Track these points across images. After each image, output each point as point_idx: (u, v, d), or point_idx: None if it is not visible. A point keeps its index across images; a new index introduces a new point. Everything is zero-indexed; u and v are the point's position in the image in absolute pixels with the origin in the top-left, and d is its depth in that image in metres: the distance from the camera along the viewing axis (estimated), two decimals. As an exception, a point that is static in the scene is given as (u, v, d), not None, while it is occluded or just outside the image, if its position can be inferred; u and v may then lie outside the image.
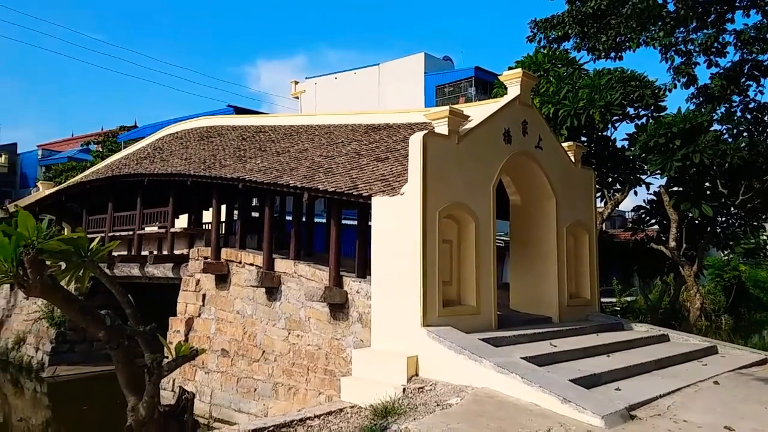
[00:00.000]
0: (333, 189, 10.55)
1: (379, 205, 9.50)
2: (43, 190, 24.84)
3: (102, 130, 45.92)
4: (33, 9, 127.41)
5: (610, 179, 16.24)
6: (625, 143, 15.88)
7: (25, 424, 15.03)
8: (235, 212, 17.13)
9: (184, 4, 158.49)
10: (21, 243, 3.68)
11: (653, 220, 17.66)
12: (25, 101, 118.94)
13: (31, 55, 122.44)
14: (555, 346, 9.11)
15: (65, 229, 20.78)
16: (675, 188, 15.87)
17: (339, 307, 11.06)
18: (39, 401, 17.32)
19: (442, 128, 9.47)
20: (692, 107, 17.16)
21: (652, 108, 15.41)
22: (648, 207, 17.48)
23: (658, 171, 14.68)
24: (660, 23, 16.91)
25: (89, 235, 5.18)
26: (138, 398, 4.71)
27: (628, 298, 19.13)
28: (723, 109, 17.27)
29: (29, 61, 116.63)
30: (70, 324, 18.82)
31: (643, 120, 15.63)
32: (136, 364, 4.80)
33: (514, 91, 10.98)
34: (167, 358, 5.02)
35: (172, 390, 12.79)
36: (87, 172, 23.69)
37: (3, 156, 43.46)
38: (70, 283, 4.78)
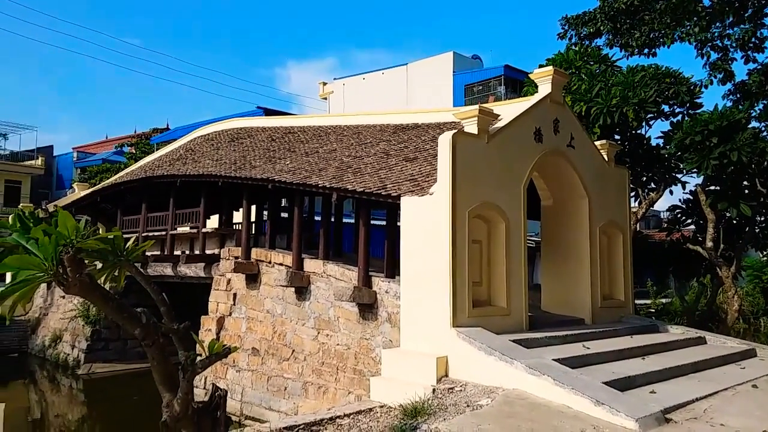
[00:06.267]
0: (362, 189, 10.56)
1: (408, 205, 9.47)
2: (79, 191, 25.44)
3: (135, 132, 46.76)
4: (69, 15, 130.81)
5: (644, 178, 15.91)
6: (660, 141, 15.57)
7: (61, 420, 15.42)
8: (265, 212, 17.31)
9: (217, 8, 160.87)
10: (61, 242, 3.76)
11: (689, 220, 17.23)
12: (61, 105, 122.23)
13: (67, 60, 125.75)
14: (588, 348, 8.97)
15: (100, 230, 21.25)
16: (712, 187, 15.47)
17: (368, 307, 11.07)
18: (75, 398, 17.75)
19: (471, 127, 9.40)
20: (729, 104, 16.82)
21: (688, 105, 15.06)
22: (684, 206, 17.08)
23: (695, 170, 14.33)
24: (695, 18, 16.61)
25: (124, 235, 5.28)
26: (172, 395, 4.77)
27: (664, 300, 18.73)
28: (761, 106, 16.86)
29: (65, 66, 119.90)
30: (105, 322, 19.27)
31: (679, 117, 15.29)
32: (170, 361, 4.87)
33: (545, 89, 10.84)
34: (200, 355, 5.08)
35: (204, 387, 12.97)
36: (121, 173, 24.19)
37: (40, 158, 44.56)
38: (106, 282, 4.88)
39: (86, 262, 4.33)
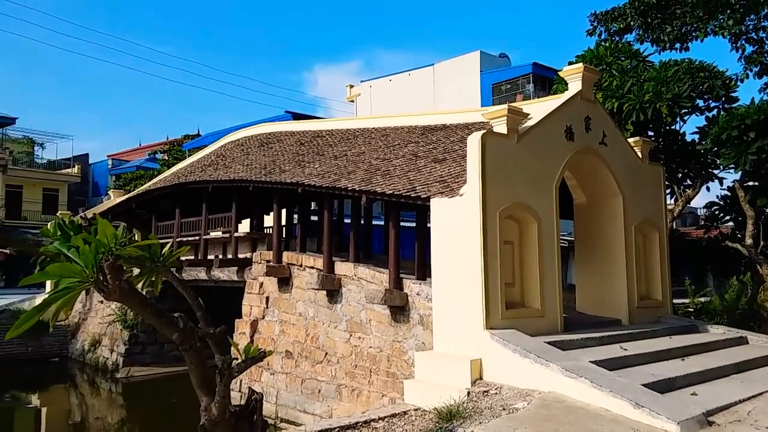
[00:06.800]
0: (391, 191, 10.56)
1: (438, 206, 9.44)
2: (114, 198, 26.02)
3: (167, 139, 47.65)
4: (100, 25, 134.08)
5: (680, 175, 15.57)
6: (696, 137, 15.23)
7: (101, 423, 15.75)
8: (295, 216, 17.49)
9: (244, 15, 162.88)
10: (100, 250, 3.84)
11: (727, 217, 16.82)
12: (96, 113, 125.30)
13: (100, 70, 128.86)
14: (626, 349, 8.81)
15: (136, 235, 21.67)
16: (750, 183, 15.07)
17: (399, 310, 11.05)
18: (114, 401, 18.12)
19: (500, 127, 9.33)
20: (766, 97, 16.30)
21: (723, 99, 14.70)
22: (722, 203, 16.67)
23: (732, 165, 13.96)
24: (729, 11, 16.17)
25: (159, 241, 5.36)
26: (210, 398, 4.83)
27: (702, 299, 18.29)
28: (800, 99, 16.30)
29: (98, 76, 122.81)
30: (142, 326, 19.62)
31: (714, 112, 14.94)
32: (207, 365, 4.93)
33: (575, 86, 10.69)
34: (236, 359, 5.14)
35: (240, 390, 13.11)
36: (155, 180, 24.65)
37: (76, 166, 45.73)
38: (143, 288, 4.97)
39: (125, 268, 4.41)
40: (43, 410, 17.48)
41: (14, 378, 19.96)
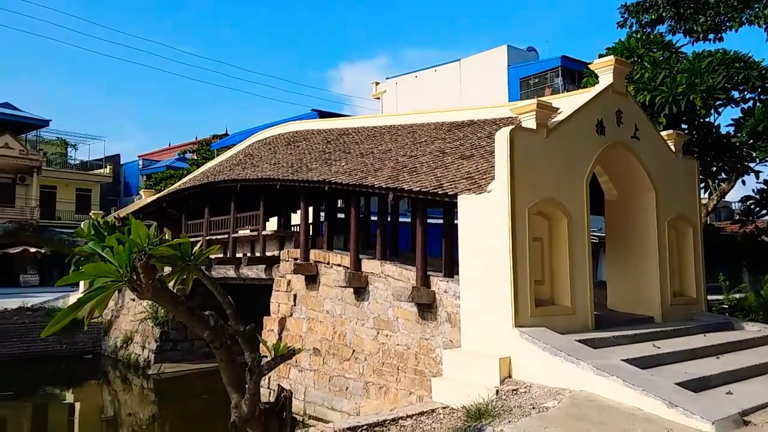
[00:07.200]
0: (418, 189, 10.53)
1: (466, 203, 9.37)
2: (145, 197, 26.48)
3: (196, 139, 48.27)
4: (127, 27, 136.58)
5: (714, 168, 15.22)
6: (731, 129, 14.86)
7: (133, 419, 16.06)
8: (322, 214, 17.56)
9: (268, 14, 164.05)
10: (134, 249, 3.89)
11: (764, 211, 16.40)
12: (126, 115, 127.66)
13: (128, 71, 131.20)
14: (658, 347, 8.63)
15: (166, 234, 22.00)
16: (788, 176, 14.65)
17: (427, 307, 11.02)
18: (146, 397, 18.45)
19: (529, 122, 9.20)
20: (805, 88, 15.80)
21: (759, 90, 14.33)
22: (758, 197, 16.27)
23: (768, 158, 13.62)
24: (764, 0, 15.69)
25: (189, 239, 5.42)
26: (240, 395, 4.87)
27: (737, 295, 17.88)
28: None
29: (127, 77, 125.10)
30: (173, 323, 19.94)
31: (750, 104, 14.56)
32: (237, 362, 4.97)
33: (606, 79, 10.50)
34: (265, 357, 5.17)
35: (269, 387, 13.23)
36: (184, 179, 25.00)
37: (108, 167, 46.61)
38: (174, 286, 5.03)
39: (157, 267, 4.46)
40: (77, 405, 17.90)
41: (50, 374, 20.49)
